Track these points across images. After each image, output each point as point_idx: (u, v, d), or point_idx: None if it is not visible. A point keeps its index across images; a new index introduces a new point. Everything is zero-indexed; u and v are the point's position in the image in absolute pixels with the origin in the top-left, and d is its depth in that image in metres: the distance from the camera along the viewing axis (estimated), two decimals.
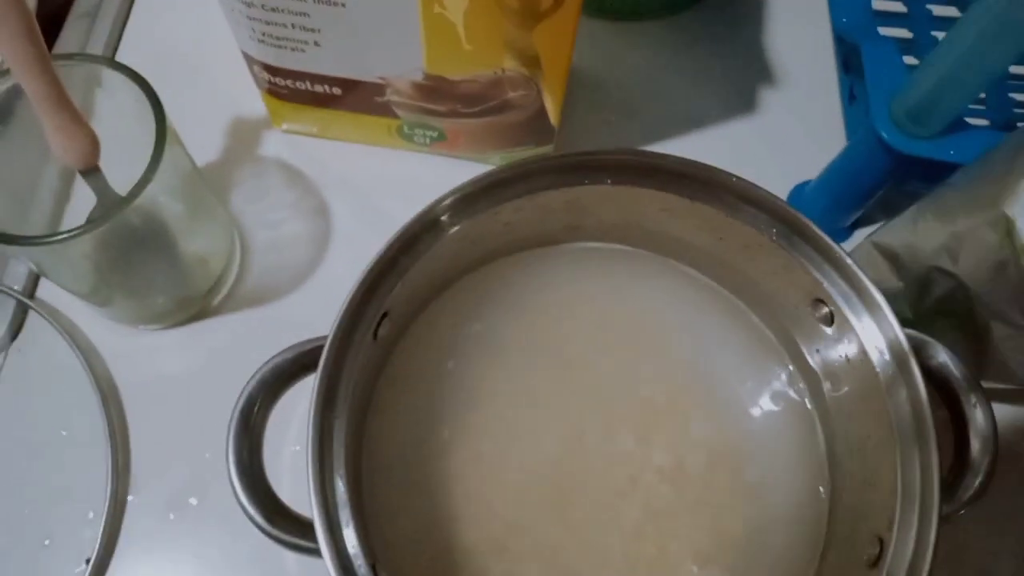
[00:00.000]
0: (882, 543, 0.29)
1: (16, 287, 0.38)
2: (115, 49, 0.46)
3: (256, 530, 0.34)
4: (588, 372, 0.37)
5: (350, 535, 0.27)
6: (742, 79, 0.47)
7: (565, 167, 0.32)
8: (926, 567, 0.27)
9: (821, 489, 0.34)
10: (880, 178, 0.37)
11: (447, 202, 0.31)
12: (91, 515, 0.35)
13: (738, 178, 0.32)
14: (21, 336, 0.38)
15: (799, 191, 0.43)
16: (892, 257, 0.35)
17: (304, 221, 0.42)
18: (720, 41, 0.48)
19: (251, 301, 0.40)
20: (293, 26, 0.33)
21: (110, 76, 0.32)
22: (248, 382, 0.29)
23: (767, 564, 0.33)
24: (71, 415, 0.36)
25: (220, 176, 0.42)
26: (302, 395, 0.28)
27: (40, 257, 0.32)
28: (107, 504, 0.35)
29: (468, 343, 0.37)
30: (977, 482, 0.30)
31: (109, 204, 0.34)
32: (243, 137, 0.43)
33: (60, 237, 0.29)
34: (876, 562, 0.29)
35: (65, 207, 0.36)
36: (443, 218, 0.32)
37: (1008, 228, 0.28)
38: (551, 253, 0.38)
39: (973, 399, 0.30)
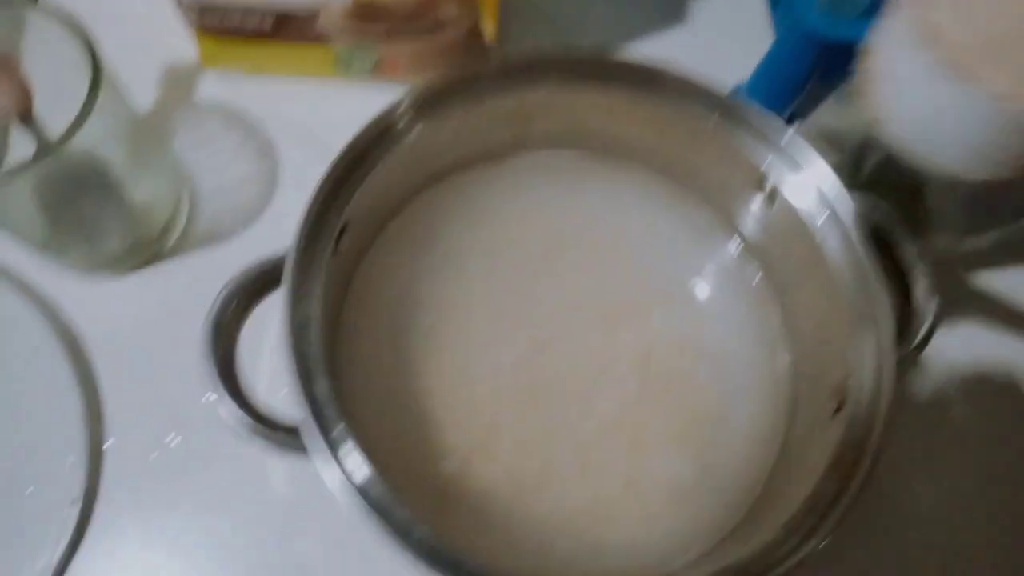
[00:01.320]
0: (844, 392, 0.31)
1: None
2: None
3: (238, 456, 0.35)
4: (550, 277, 0.38)
5: (340, 432, 0.27)
6: None
7: (510, 70, 0.33)
8: (884, 404, 0.29)
9: (781, 358, 0.36)
10: (809, 66, 0.39)
11: (400, 109, 0.32)
12: (71, 459, 0.34)
13: (678, 74, 0.33)
14: None
15: (732, 94, 0.44)
16: (828, 135, 0.37)
17: (250, 161, 0.41)
18: None
19: (205, 241, 0.40)
20: None
21: (37, 20, 0.31)
22: (216, 297, 0.29)
23: (738, 437, 0.35)
24: (37, 369, 0.36)
25: (159, 122, 0.42)
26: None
27: None
28: (86, 450, 0.34)
29: (427, 259, 0.37)
30: (925, 326, 0.32)
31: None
32: (178, 82, 0.43)
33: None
34: (838, 411, 0.32)
35: (4, 158, 0.36)
36: (397, 126, 0.32)
37: None
38: (500, 166, 0.39)
39: (911, 248, 0.32)
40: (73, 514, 0.33)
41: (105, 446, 0.36)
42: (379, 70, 0.41)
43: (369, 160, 0.32)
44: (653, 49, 0.46)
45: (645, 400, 0.36)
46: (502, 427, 0.35)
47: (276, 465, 0.36)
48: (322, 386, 0.28)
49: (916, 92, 0.29)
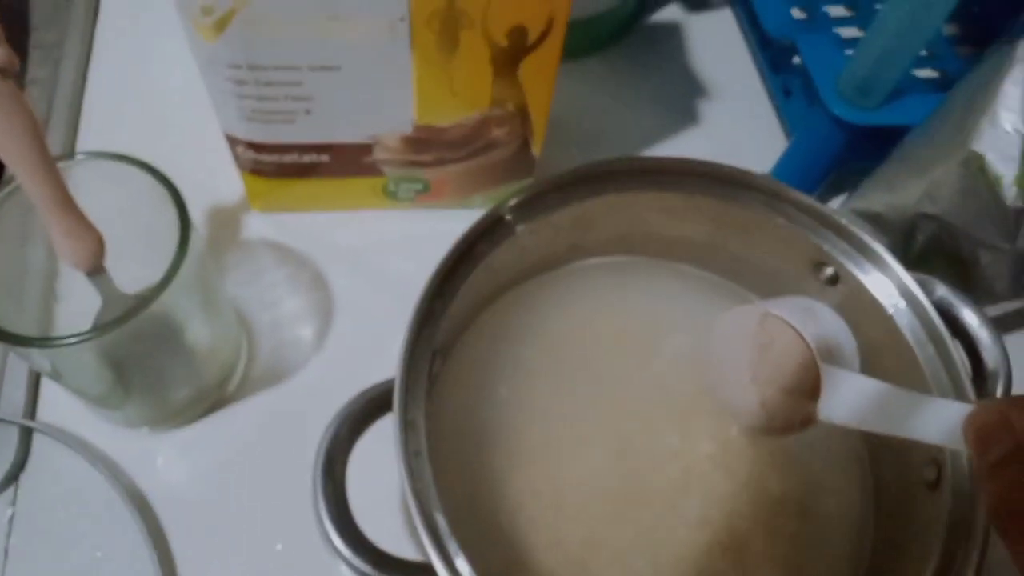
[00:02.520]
0: (938, 464, 0.32)
1: (15, 413, 0.36)
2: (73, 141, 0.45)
3: None
4: (618, 382, 0.38)
5: (460, 562, 0.26)
6: (679, 99, 0.51)
7: (574, 181, 0.34)
8: None
9: (857, 438, 0.37)
10: (836, 154, 0.41)
11: (477, 232, 0.32)
12: None
13: (730, 167, 0.35)
14: (31, 463, 0.35)
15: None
16: (873, 218, 0.38)
17: (303, 295, 0.41)
18: (652, 69, 0.52)
19: (266, 383, 0.39)
20: (285, 97, 0.34)
21: (105, 168, 0.31)
22: (324, 434, 0.28)
23: (828, 527, 0.35)
24: (103, 534, 0.34)
25: (214, 264, 0.41)
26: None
27: (53, 357, 0.30)
28: None
29: (498, 374, 0.37)
30: (1000, 388, 0.33)
31: (115, 302, 0.33)
32: (223, 222, 0.43)
33: (80, 338, 0.28)
34: (936, 484, 0.31)
35: (54, 306, 0.35)
36: (476, 248, 0.33)
37: (979, 164, 0.32)
38: (558, 275, 0.39)
39: (977, 318, 0.33)
40: None
41: None
42: (425, 195, 0.42)
43: (452, 284, 0.32)
44: (675, 151, 0.48)
45: (731, 495, 0.35)
46: (599, 542, 0.34)
47: None
48: (440, 520, 0.27)
49: None
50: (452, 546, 0.27)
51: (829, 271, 0.36)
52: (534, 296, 0.39)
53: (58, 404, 0.37)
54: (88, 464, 0.35)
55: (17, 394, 0.36)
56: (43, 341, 0.28)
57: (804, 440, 0.36)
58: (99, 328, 0.28)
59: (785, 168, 0.44)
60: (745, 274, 0.39)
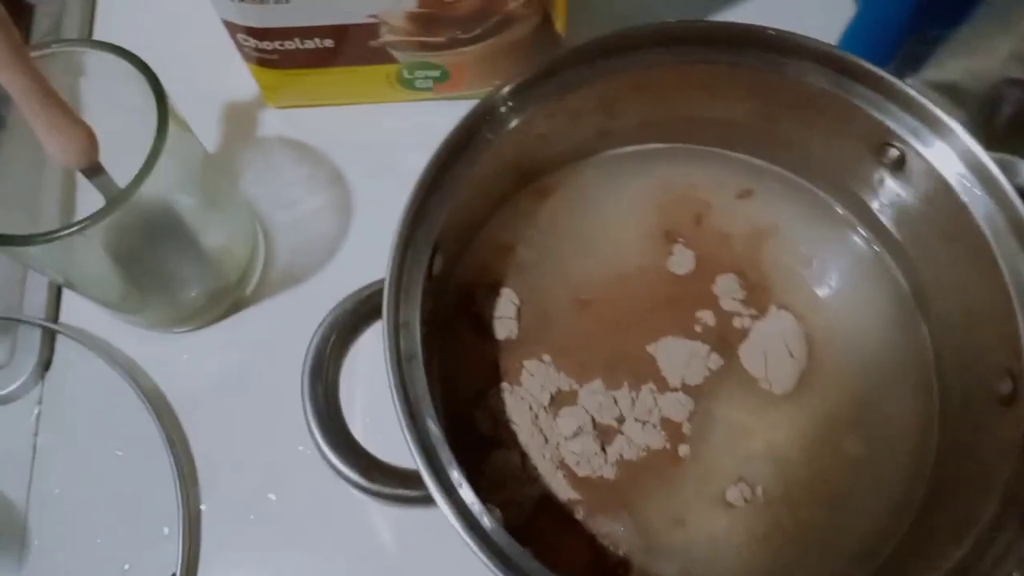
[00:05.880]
0: (1014, 377, 0.27)
1: (38, 314, 0.36)
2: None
3: (344, 507, 0.32)
4: (659, 275, 0.34)
5: (455, 474, 0.25)
6: None
7: (595, 53, 0.30)
8: None
9: (921, 342, 0.33)
10: (909, 17, 0.35)
11: (478, 114, 0.29)
12: (166, 531, 0.32)
13: (778, 30, 0.30)
14: (54, 364, 0.36)
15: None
16: (948, 89, 0.33)
17: (321, 194, 0.39)
18: None
19: (285, 283, 0.38)
20: None
21: (95, 61, 0.30)
22: (311, 340, 0.27)
23: (891, 426, 0.32)
24: (124, 434, 0.34)
25: (225, 162, 0.40)
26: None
27: (63, 264, 0.30)
28: (180, 517, 0.32)
29: (520, 272, 0.34)
30: None
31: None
32: (239, 120, 0.41)
33: (70, 230, 0.26)
34: (1012, 399, 0.28)
35: (73, 216, 0.34)
36: (476, 135, 0.29)
37: None
38: (587, 165, 0.36)
39: None
40: None
41: (201, 508, 0.33)
42: (445, 84, 0.39)
43: (454, 172, 0.29)
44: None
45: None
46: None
47: (384, 514, 0.33)
48: (432, 427, 0.25)
49: None
50: (445, 454, 0.25)
51: (894, 153, 0.31)
52: (559, 192, 0.36)
53: (80, 307, 0.36)
54: (109, 366, 0.35)
55: (39, 297, 0.36)
56: (39, 237, 0.27)
57: (865, 348, 0.33)
58: (88, 218, 0.27)
59: (852, 39, 0.38)
60: (796, 159, 0.35)
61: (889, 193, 0.33)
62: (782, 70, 0.31)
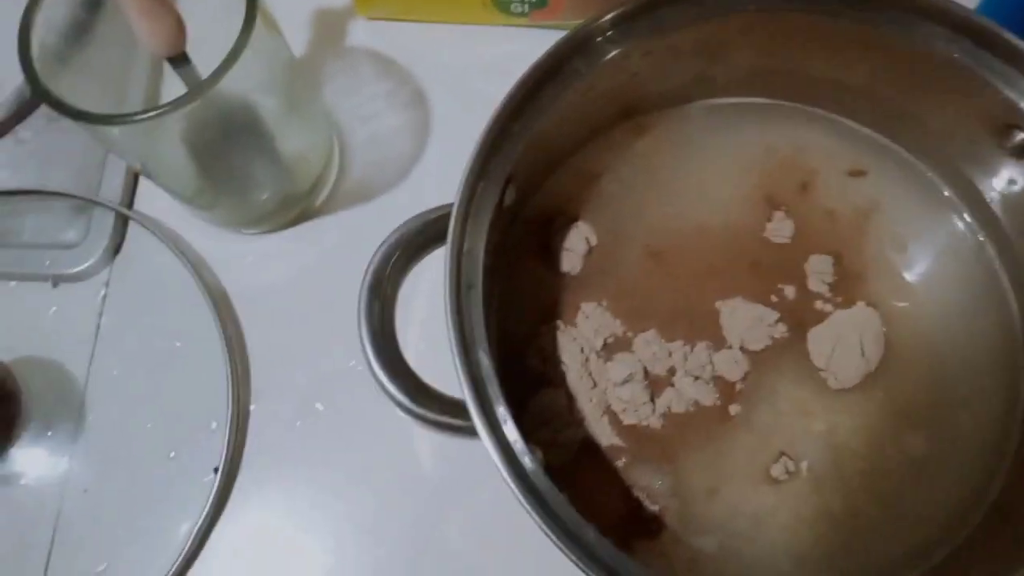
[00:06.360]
0: None
1: (113, 200, 0.36)
2: None
3: (387, 428, 0.32)
4: (751, 238, 0.33)
5: (501, 409, 0.24)
6: None
7: None
8: None
9: (1017, 334, 0.31)
10: None
11: (571, 43, 0.28)
12: (214, 425, 0.33)
13: None
14: (124, 249, 0.36)
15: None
16: None
17: (402, 112, 0.39)
18: None
19: (356, 197, 0.37)
20: None
21: None
22: (373, 256, 0.26)
23: (972, 412, 0.30)
24: (184, 326, 0.35)
25: (310, 68, 0.39)
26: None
27: (142, 150, 0.30)
28: (229, 414, 0.33)
29: (600, 206, 0.33)
30: None
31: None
32: (328, 28, 0.40)
33: (150, 114, 0.26)
34: None
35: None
36: (566, 65, 0.28)
37: None
38: (680, 114, 0.34)
39: None
40: (216, 481, 0.32)
41: (250, 408, 0.34)
42: (541, 11, 0.37)
43: (537, 105, 0.28)
44: None
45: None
46: None
47: (426, 439, 0.33)
48: (484, 360, 0.25)
49: None
50: (493, 389, 0.24)
51: (1020, 137, 0.28)
52: (649, 136, 0.34)
53: (154, 197, 0.37)
54: (176, 257, 0.35)
55: (116, 182, 0.37)
56: (121, 117, 0.27)
57: (949, 343, 0.31)
58: (169, 103, 0.27)
59: (990, 5, 0.35)
60: (908, 132, 0.32)
61: (1004, 180, 0.30)
62: (912, 33, 0.28)
